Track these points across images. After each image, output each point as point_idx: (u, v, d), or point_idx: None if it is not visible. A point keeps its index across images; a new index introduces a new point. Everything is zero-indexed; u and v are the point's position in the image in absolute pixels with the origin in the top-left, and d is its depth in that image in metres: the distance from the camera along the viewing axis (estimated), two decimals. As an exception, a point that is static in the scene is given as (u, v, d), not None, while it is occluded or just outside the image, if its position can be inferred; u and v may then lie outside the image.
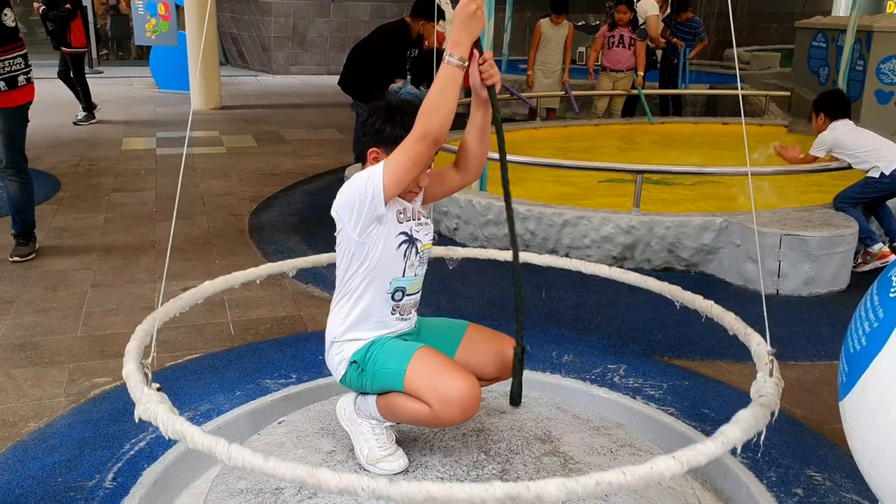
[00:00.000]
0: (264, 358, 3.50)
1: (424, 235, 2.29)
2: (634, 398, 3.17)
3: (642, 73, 8.37)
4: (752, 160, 6.92)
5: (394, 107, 2.20)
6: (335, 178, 6.86)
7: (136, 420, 1.78)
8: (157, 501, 2.54)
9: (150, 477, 2.56)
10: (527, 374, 3.29)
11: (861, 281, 4.55)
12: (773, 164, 5.67)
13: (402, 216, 2.22)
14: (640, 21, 8.63)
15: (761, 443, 1.80)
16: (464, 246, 5.19)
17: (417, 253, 2.27)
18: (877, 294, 1.64)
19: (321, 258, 2.93)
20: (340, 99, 7.39)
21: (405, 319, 2.31)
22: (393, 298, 2.24)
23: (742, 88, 10.27)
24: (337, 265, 2.29)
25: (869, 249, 4.72)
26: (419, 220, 2.29)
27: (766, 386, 1.88)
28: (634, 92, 8.43)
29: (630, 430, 2.68)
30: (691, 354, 3.66)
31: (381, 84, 6.03)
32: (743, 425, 1.72)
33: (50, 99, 10.39)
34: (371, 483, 1.51)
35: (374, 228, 2.15)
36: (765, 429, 1.77)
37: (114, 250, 5.01)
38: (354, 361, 2.24)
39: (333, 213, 2.21)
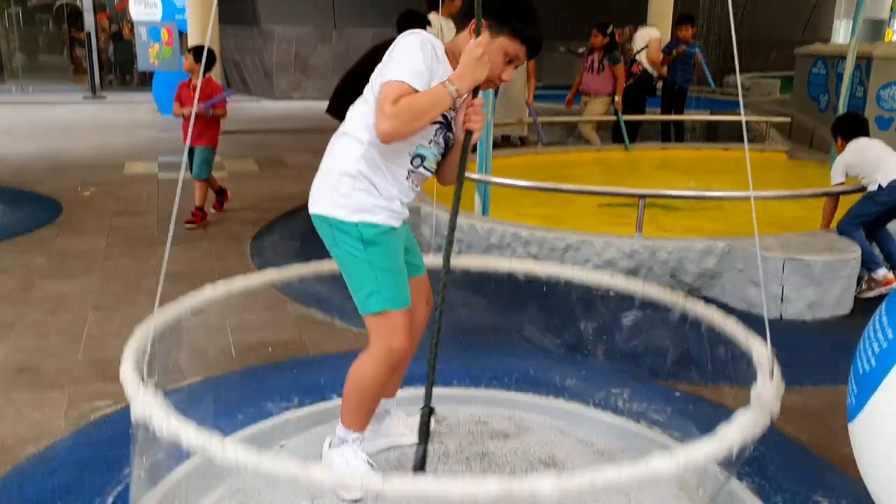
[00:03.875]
0: (266, 382, 3.48)
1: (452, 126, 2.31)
2: (638, 422, 3.14)
3: (619, 98, 8.33)
4: (756, 186, 6.94)
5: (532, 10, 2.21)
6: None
7: (133, 422, 1.78)
8: (156, 526, 2.51)
9: (151, 501, 2.53)
10: (530, 399, 3.29)
11: (865, 306, 4.53)
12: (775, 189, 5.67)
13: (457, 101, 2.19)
14: (642, 46, 8.67)
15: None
16: (467, 271, 5.17)
17: (445, 139, 2.30)
18: (885, 315, 1.62)
19: (322, 266, 2.83)
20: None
21: (413, 191, 2.32)
22: (412, 163, 2.24)
23: (743, 114, 10.34)
24: (357, 108, 2.27)
25: (873, 276, 4.70)
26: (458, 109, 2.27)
27: (766, 389, 1.84)
28: (613, 118, 8.42)
29: (634, 455, 2.66)
30: (693, 378, 3.63)
31: None
32: (741, 426, 1.69)
33: (54, 125, 10.44)
34: (366, 480, 1.53)
35: None
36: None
37: (115, 274, 5.00)
38: (360, 235, 2.20)
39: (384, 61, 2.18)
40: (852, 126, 5.03)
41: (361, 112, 2.24)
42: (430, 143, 2.25)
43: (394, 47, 2.14)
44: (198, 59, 5.78)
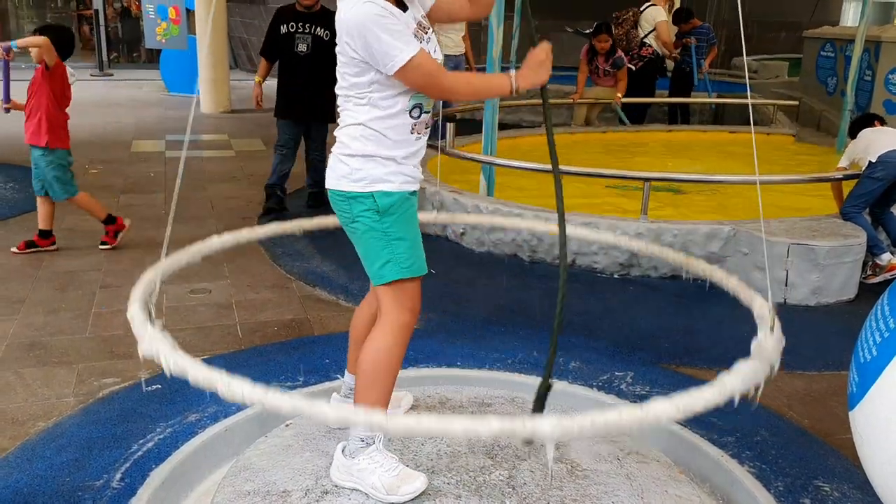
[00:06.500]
0: (272, 360, 3.51)
1: (434, 50, 2.25)
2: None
3: (620, 95, 8.14)
4: (762, 169, 6.93)
5: None
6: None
7: (140, 359, 1.77)
8: (164, 502, 2.55)
9: (157, 478, 2.57)
10: (532, 380, 3.31)
11: (869, 291, 4.53)
12: (781, 173, 5.65)
13: (418, 34, 2.17)
14: (650, 29, 8.58)
15: (757, 398, 1.75)
16: (471, 251, 5.20)
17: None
18: (887, 305, 1.63)
19: (327, 220, 2.79)
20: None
21: (420, 138, 2.28)
22: (411, 115, 2.22)
23: (750, 97, 10.28)
24: (342, 103, 2.24)
25: (878, 261, 4.71)
26: (428, 33, 2.25)
27: (767, 341, 1.85)
28: (608, 101, 8.32)
29: (637, 438, 2.68)
30: (698, 363, 3.65)
31: (307, 92, 5.51)
32: (742, 375, 1.70)
33: (60, 100, 10.42)
34: (367, 417, 1.60)
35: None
36: (762, 384, 1.74)
37: (123, 252, 5.03)
38: (376, 206, 2.19)
39: (344, 42, 2.14)
40: (859, 124, 5.16)
41: (347, 101, 2.22)
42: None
43: (359, 29, 2.07)
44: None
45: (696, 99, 9.46)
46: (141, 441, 2.82)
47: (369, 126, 2.19)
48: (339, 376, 3.30)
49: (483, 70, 8.02)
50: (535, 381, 3.29)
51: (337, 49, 2.19)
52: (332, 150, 2.31)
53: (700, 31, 9.00)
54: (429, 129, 2.33)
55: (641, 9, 8.69)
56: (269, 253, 5.09)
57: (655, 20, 8.54)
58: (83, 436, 2.85)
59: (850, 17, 15.66)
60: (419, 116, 2.23)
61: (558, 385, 3.28)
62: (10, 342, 3.66)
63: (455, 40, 7.55)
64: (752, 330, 3.49)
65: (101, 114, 10.73)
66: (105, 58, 16.16)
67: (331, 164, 2.30)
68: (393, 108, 2.18)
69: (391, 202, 2.22)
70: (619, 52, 8.01)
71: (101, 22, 16.13)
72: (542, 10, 15.35)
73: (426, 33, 2.22)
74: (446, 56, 7.19)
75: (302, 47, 5.43)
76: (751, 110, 2.49)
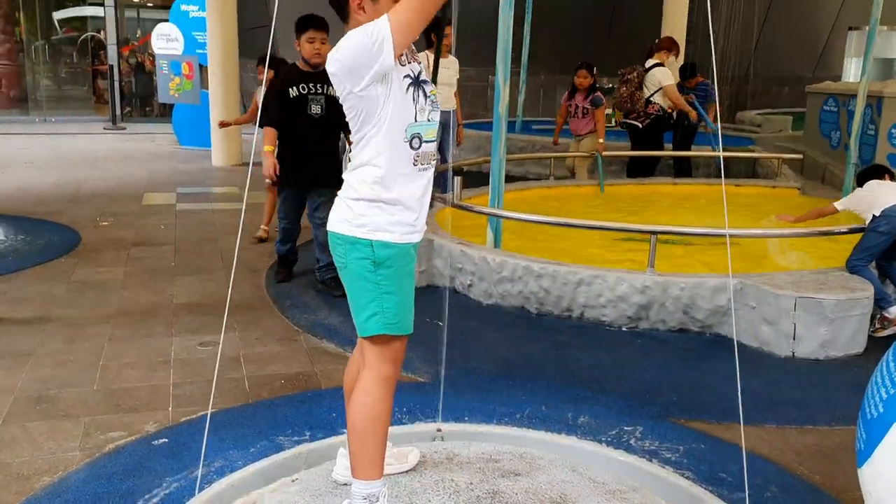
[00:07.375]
0: (279, 414, 3.50)
1: (426, 79, 2.28)
2: (651, 461, 3.14)
3: (602, 140, 8.16)
4: (765, 223, 6.95)
5: None
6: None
7: None
8: (169, 559, 2.53)
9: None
10: (542, 436, 3.29)
11: (878, 345, 4.52)
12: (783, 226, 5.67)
13: (403, 58, 2.20)
14: (656, 89, 8.66)
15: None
16: (479, 303, 5.21)
17: (426, 96, 2.26)
18: (893, 361, 1.64)
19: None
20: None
21: (426, 168, 2.28)
22: (411, 146, 2.22)
23: (755, 151, 10.36)
24: (351, 127, 2.28)
25: (886, 315, 4.70)
26: (417, 60, 2.27)
27: None
28: (593, 153, 8.38)
29: (646, 494, 2.66)
30: (708, 417, 3.62)
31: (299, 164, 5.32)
32: None
33: (74, 155, 10.61)
34: None
35: (380, 80, 2.15)
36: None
37: (132, 304, 5.06)
38: (374, 255, 2.21)
39: (332, 74, 2.19)
40: (868, 174, 5.22)
41: (356, 146, 2.28)
42: (415, 116, 2.22)
43: (333, 65, 2.17)
44: None
45: (699, 153, 9.55)
46: (147, 496, 2.80)
47: (374, 164, 2.21)
48: (344, 430, 3.29)
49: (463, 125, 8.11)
50: (542, 436, 3.29)
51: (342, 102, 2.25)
52: (339, 193, 2.33)
53: (702, 86, 9.16)
54: (434, 162, 2.34)
55: (646, 67, 8.77)
56: (277, 305, 5.11)
57: (661, 83, 8.59)
58: (89, 491, 2.84)
59: (852, 72, 15.86)
60: (419, 146, 2.25)
61: (567, 440, 3.26)
62: (17, 396, 3.66)
63: (446, 96, 7.61)
64: (760, 385, 3.49)
65: (113, 167, 10.89)
66: (118, 112, 16.47)
67: (335, 206, 2.32)
68: (391, 139, 2.19)
69: (390, 254, 2.22)
70: (598, 93, 8.11)
71: (116, 77, 16.49)
72: (550, 66, 15.66)
73: (410, 63, 2.25)
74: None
75: (316, 109, 5.23)
76: (722, 162, 2.53)
